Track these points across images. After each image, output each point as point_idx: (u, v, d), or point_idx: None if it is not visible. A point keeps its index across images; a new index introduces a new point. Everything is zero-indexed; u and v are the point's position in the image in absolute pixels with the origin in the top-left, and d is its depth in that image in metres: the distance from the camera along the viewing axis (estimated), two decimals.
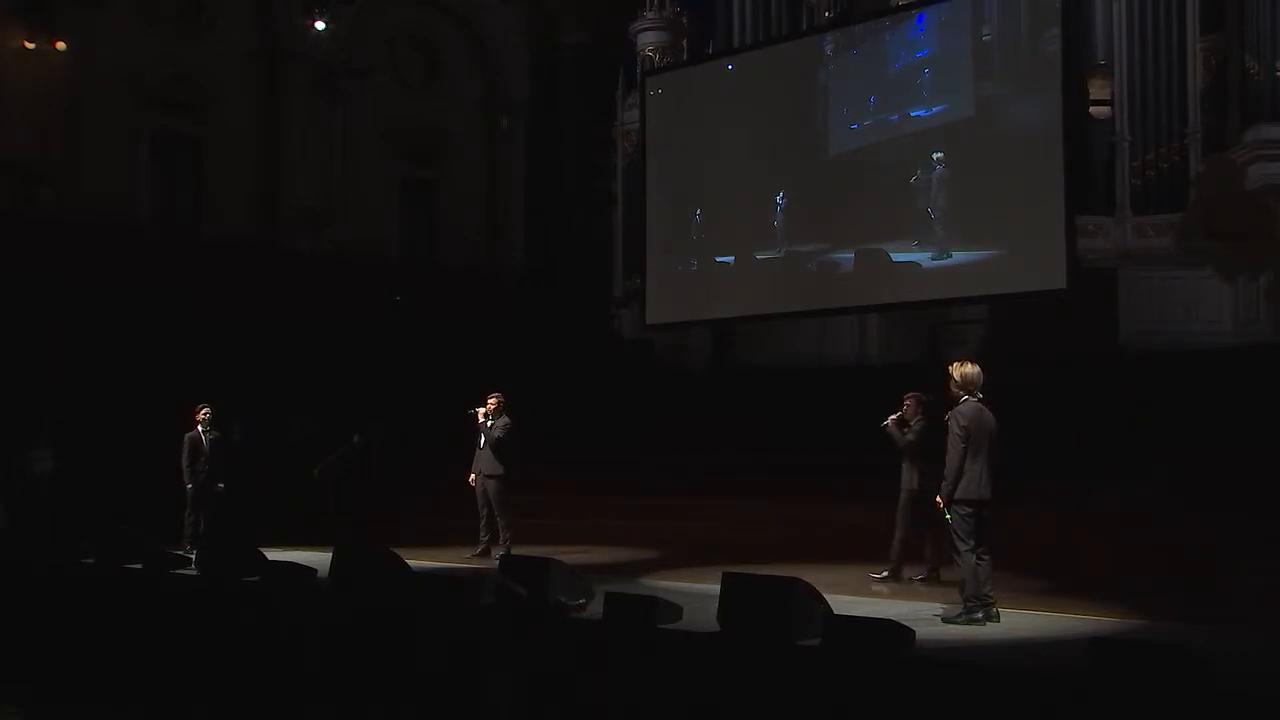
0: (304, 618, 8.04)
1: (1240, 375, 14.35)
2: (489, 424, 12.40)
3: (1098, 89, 17.26)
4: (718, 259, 19.50)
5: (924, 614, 8.07)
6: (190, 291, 18.55)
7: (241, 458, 14.40)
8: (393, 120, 23.11)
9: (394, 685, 7.30)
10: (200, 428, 13.35)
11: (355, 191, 22.42)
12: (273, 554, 9.25)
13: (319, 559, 8.93)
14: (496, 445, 12.33)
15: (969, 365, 8.17)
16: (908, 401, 10.36)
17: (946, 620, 7.87)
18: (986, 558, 7.89)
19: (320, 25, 21.23)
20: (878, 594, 9.56)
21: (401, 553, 8.42)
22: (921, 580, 10.07)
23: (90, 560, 10.17)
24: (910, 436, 10.24)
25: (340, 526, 12.32)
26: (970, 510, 7.88)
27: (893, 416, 10.34)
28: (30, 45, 18.78)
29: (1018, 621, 7.90)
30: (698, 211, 19.74)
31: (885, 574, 10.18)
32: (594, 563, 11.35)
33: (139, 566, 9.69)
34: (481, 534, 12.44)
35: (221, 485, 13.34)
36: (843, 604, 7.34)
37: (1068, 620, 8.04)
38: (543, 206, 25.13)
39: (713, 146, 19.38)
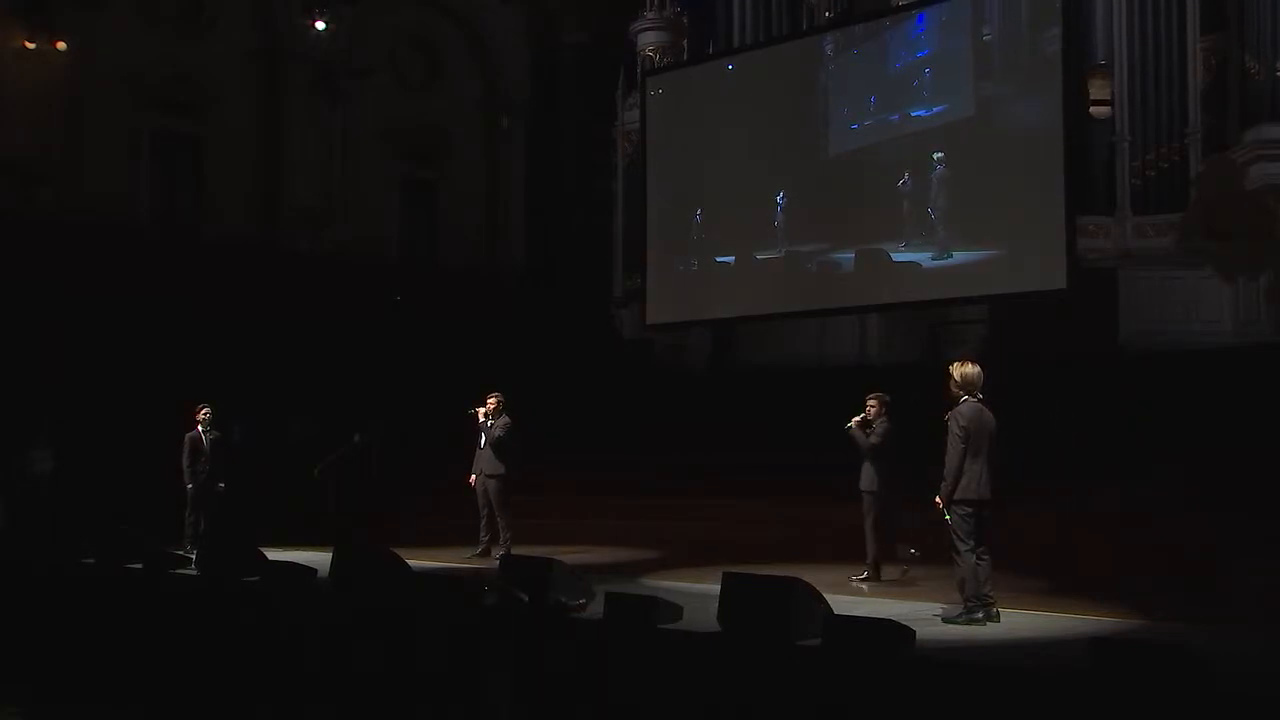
0: (304, 618, 8.04)
1: (1240, 375, 14.34)
2: (489, 424, 12.41)
3: (1098, 89, 17.26)
4: (718, 259, 19.50)
5: (924, 614, 8.06)
6: (190, 291, 18.55)
7: (241, 458, 14.39)
8: (393, 120, 23.12)
9: (394, 685, 7.30)
10: (200, 428, 13.35)
11: (355, 191, 22.43)
12: (273, 554, 9.24)
13: (319, 559, 8.92)
14: (497, 445, 12.34)
15: (969, 365, 8.16)
16: (871, 403, 10.24)
17: (946, 620, 7.87)
18: (986, 558, 7.89)
19: (320, 25, 21.22)
20: (876, 594, 9.56)
21: (401, 553, 8.41)
22: (904, 572, 10.15)
23: (90, 560, 10.17)
24: (874, 439, 10.15)
25: (340, 526, 12.32)
26: (970, 510, 7.88)
27: (856, 419, 10.23)
28: (30, 45, 18.78)
29: (1018, 621, 7.90)
30: (698, 211, 19.74)
31: (865, 575, 10.19)
32: (594, 563, 11.33)
33: (139, 566, 9.68)
34: (481, 534, 12.44)
35: (222, 485, 13.34)
36: (843, 604, 7.34)
37: (1068, 620, 8.03)
38: (543, 206, 25.12)
39: (713, 146, 19.37)
